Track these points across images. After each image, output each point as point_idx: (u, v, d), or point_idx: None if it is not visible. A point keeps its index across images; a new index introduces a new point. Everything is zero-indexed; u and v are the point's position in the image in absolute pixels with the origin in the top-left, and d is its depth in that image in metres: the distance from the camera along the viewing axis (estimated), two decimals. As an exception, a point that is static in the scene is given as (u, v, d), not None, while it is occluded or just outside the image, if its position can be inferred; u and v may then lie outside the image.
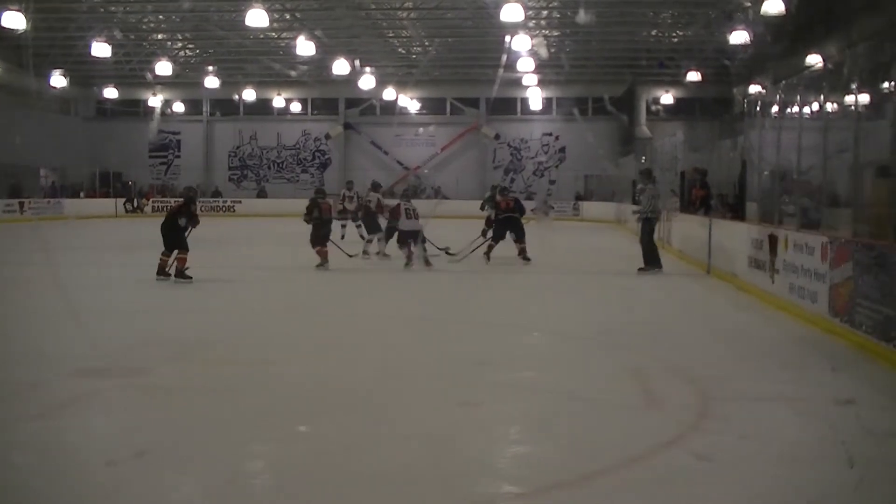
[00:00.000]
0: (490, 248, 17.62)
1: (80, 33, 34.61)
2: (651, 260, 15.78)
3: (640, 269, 15.81)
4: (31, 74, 37.36)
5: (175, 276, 14.05)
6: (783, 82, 14.72)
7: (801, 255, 10.68)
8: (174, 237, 14.13)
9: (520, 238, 17.55)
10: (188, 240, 14.27)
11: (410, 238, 16.55)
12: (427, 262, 16.63)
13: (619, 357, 8.72)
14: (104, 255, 20.22)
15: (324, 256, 16.07)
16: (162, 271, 14.14)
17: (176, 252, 14.10)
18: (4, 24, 25.73)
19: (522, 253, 17.39)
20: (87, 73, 42.78)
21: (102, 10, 33.48)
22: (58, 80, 38.93)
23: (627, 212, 32.00)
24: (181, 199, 15.05)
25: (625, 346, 9.27)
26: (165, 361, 8.20)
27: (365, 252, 18.55)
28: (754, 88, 32.75)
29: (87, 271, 16.16)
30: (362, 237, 19.41)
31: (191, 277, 14.01)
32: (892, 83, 9.33)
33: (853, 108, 9.97)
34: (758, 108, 14.50)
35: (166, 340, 9.27)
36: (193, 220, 14.43)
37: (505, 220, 17.54)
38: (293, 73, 40.39)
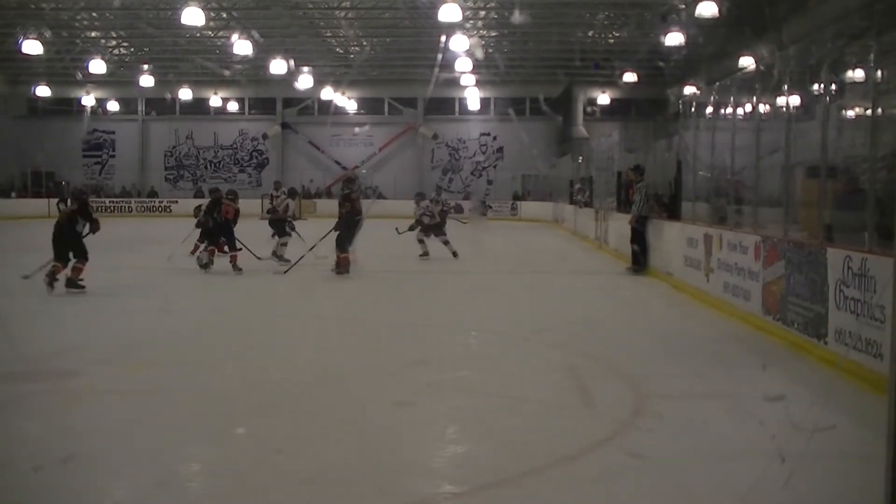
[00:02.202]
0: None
1: (9, 30, 33.92)
2: (640, 260, 15.76)
3: (627, 269, 15.84)
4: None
5: (66, 285, 12.89)
6: (716, 84, 14.87)
7: (735, 254, 10.83)
8: (74, 244, 13.03)
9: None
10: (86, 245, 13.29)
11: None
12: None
13: (555, 356, 8.76)
14: (34, 256, 19.75)
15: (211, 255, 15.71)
16: (53, 280, 12.85)
17: (73, 261, 13.02)
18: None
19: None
20: (17, 71, 41.98)
21: (33, 6, 32.86)
22: (-14, 78, 38.26)
23: (565, 211, 32.27)
24: (74, 204, 13.73)
25: (561, 344, 9.32)
26: (95, 365, 8.04)
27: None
28: (688, 90, 33.12)
29: (14, 273, 15.80)
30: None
31: (83, 287, 13.00)
32: (822, 85, 9.48)
33: (784, 109, 10.12)
34: (692, 109, 14.65)
35: (96, 344, 9.12)
36: (94, 225, 13.37)
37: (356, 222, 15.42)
38: (230, 73, 40.08)
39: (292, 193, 19.68)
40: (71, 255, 13.01)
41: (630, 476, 5.21)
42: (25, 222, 33.97)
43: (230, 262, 15.57)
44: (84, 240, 13.15)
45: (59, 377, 7.51)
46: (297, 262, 15.67)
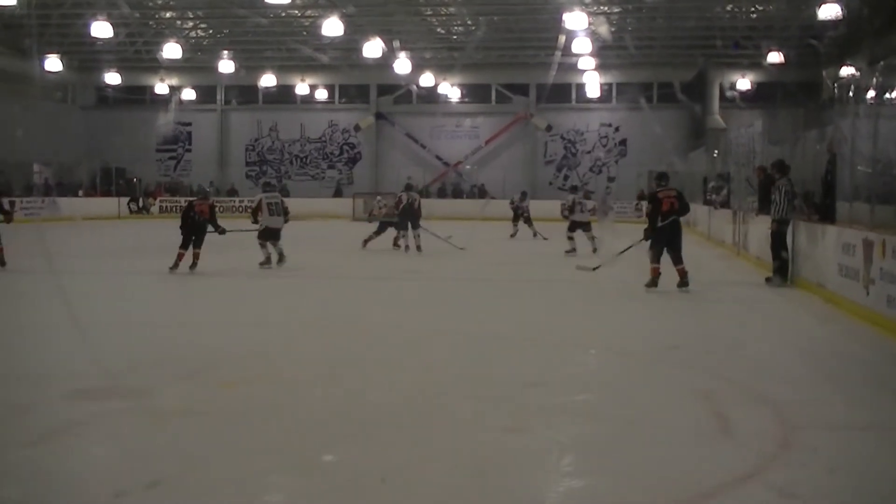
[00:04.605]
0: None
1: (78, 10, 34.95)
2: (780, 269, 15.59)
3: (767, 279, 15.67)
4: (22, 58, 37.84)
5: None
6: (881, 63, 14.52)
7: (901, 263, 10.54)
8: None
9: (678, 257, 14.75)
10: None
11: (272, 237, 17.73)
12: (280, 259, 17.71)
13: (688, 378, 8.65)
14: (106, 261, 20.39)
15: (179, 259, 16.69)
16: None
17: None
18: (-8, 2, 26.15)
19: (683, 277, 14.64)
20: (85, 57, 43.24)
21: (103, -17, 33.82)
22: (52, 63, 39.29)
23: (697, 212, 31.87)
24: None
25: (694, 365, 9.20)
26: (174, 381, 8.23)
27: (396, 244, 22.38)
28: (846, 71, 32.39)
29: (88, 279, 16.33)
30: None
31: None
32: None
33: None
34: (850, 94, 14.33)
35: (174, 358, 9.31)
36: (8, 217, 17.26)
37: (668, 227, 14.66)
38: (319, 57, 40.53)
39: (409, 187, 22.92)
40: None
41: (778, 517, 5.12)
42: (96, 223, 34.93)
43: (193, 259, 16.72)
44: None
45: (137, 395, 7.69)
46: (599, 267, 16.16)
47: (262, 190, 19.19)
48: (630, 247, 15.85)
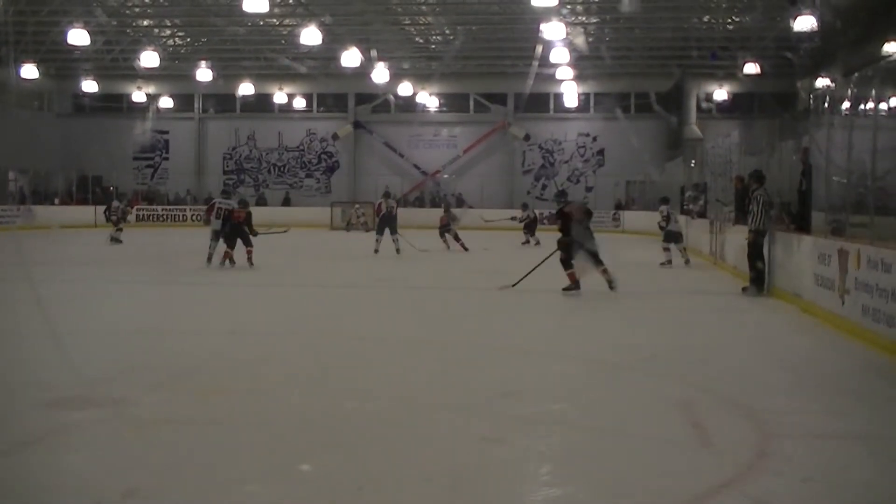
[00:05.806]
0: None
1: (55, 18, 34.77)
2: (757, 279, 15.63)
3: (743, 289, 15.74)
4: (-1, 65, 37.59)
5: None
6: (856, 75, 14.59)
7: (877, 273, 10.56)
8: None
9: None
10: None
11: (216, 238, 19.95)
12: (209, 259, 19.71)
13: (666, 387, 8.65)
14: (83, 269, 20.30)
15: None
16: None
17: None
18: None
19: (608, 277, 15.50)
20: (62, 64, 43.04)
21: (80, -9, 33.66)
22: (29, 71, 39.04)
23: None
24: None
25: (672, 375, 9.20)
26: (151, 390, 8.17)
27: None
28: (822, 82, 32.55)
29: (65, 287, 16.22)
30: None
31: None
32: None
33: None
34: (826, 105, 14.39)
35: (152, 366, 9.25)
36: None
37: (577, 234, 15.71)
38: (297, 66, 40.46)
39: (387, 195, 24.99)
40: None
41: (754, 527, 5.11)
42: (72, 232, 34.74)
43: (247, 257, 19.35)
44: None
45: (113, 404, 7.63)
46: (526, 276, 16.09)
47: (221, 195, 22.04)
48: (545, 259, 16.40)
